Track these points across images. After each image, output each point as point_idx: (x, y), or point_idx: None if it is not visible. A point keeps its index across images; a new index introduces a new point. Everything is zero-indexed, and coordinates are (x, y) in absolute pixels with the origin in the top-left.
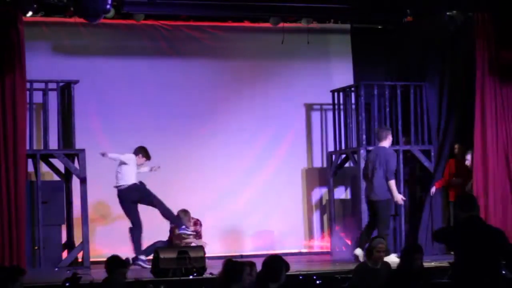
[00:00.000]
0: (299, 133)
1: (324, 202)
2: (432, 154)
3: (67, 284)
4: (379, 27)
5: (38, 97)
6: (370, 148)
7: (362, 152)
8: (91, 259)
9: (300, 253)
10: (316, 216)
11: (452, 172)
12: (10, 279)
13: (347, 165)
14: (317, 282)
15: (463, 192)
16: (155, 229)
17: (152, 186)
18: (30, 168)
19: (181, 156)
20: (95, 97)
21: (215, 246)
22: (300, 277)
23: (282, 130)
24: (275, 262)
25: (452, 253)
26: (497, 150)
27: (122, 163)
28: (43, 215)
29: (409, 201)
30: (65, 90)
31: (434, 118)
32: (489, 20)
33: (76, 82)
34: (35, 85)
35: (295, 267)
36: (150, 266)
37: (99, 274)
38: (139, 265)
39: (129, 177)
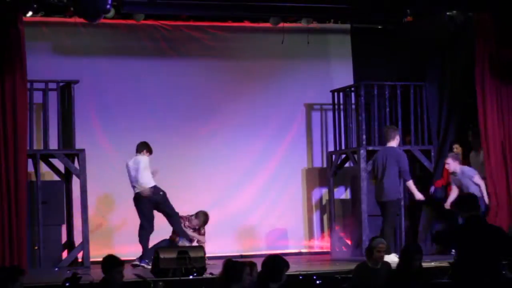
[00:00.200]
0: (299, 133)
1: (324, 202)
2: (432, 154)
3: (67, 284)
4: (379, 27)
5: (38, 97)
6: (370, 148)
7: (362, 152)
8: (91, 259)
9: (300, 253)
10: (316, 216)
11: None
12: (10, 279)
13: (347, 165)
14: (317, 282)
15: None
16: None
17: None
18: (30, 168)
19: (181, 156)
20: (95, 97)
21: (215, 246)
22: (300, 277)
23: (282, 130)
24: (275, 262)
25: (452, 252)
26: (501, 150)
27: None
28: (43, 215)
29: (409, 201)
30: (65, 90)
31: (434, 118)
32: (489, 20)
33: (76, 82)
34: (35, 85)
35: (295, 267)
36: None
37: (99, 274)
38: (142, 266)
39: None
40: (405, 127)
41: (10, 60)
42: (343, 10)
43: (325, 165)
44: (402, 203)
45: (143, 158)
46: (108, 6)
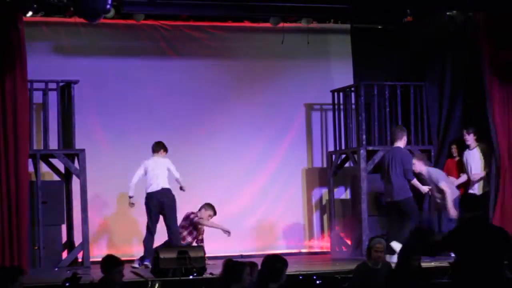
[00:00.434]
0: (299, 133)
1: (324, 202)
2: (432, 154)
3: (67, 284)
4: (379, 27)
5: (38, 97)
6: (370, 148)
7: (362, 152)
8: (91, 259)
9: (300, 253)
10: (316, 216)
11: (449, 172)
12: (10, 279)
13: (347, 165)
14: (317, 282)
15: (465, 191)
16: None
17: None
18: (30, 168)
19: (181, 156)
20: (95, 97)
21: (215, 246)
22: (300, 277)
23: (282, 130)
24: (275, 262)
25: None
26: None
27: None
28: (43, 215)
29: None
30: (65, 90)
31: (434, 118)
32: (489, 20)
33: (76, 82)
34: (35, 85)
35: (295, 267)
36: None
37: (99, 274)
38: (145, 265)
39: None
40: (405, 127)
41: (10, 60)
42: (343, 10)
43: (325, 165)
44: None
45: (168, 160)
46: (108, 6)
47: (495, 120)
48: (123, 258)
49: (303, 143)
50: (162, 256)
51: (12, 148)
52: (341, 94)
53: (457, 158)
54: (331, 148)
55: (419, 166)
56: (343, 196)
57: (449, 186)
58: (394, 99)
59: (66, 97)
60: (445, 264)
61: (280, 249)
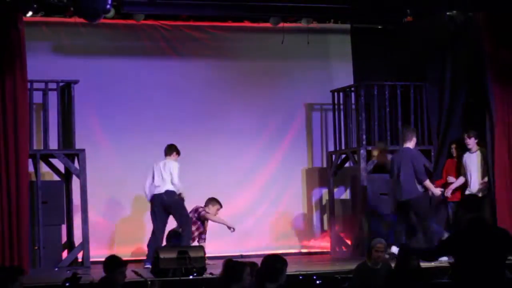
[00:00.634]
0: (299, 133)
1: (324, 202)
2: (432, 154)
3: (67, 284)
4: (379, 27)
5: (38, 97)
6: (370, 148)
7: (362, 152)
8: (91, 259)
9: (300, 253)
10: (316, 216)
11: (448, 172)
12: (10, 279)
13: (347, 165)
14: (317, 282)
15: (462, 192)
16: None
17: None
18: (30, 168)
19: (181, 155)
20: (95, 97)
21: (215, 246)
22: (300, 277)
23: (282, 130)
24: (274, 262)
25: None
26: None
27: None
28: (43, 215)
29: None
30: (65, 90)
31: (434, 118)
32: (489, 20)
33: (76, 82)
34: (35, 85)
35: (295, 267)
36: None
37: (99, 274)
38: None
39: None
40: (406, 126)
41: (10, 60)
42: (343, 10)
43: (325, 165)
44: (440, 194)
45: (175, 164)
46: (108, 6)
47: (495, 120)
48: (123, 258)
49: (303, 143)
50: (162, 256)
51: (12, 148)
52: (341, 94)
53: (456, 158)
54: (331, 148)
55: (381, 157)
56: (343, 196)
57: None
58: (394, 99)
59: (66, 97)
60: (445, 264)
61: (280, 249)
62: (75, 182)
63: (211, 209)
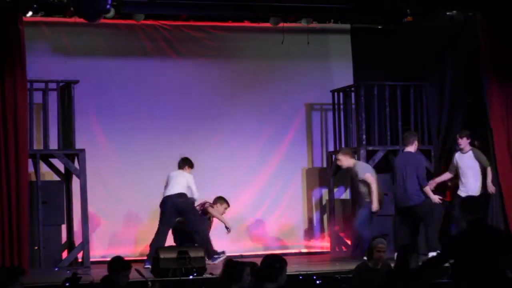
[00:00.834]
0: (299, 133)
1: (324, 202)
2: (432, 154)
3: (67, 284)
4: (379, 27)
5: (38, 97)
6: (370, 148)
7: (362, 152)
8: (91, 259)
9: (300, 253)
10: (316, 216)
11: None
12: (10, 279)
13: None
14: (317, 282)
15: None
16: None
17: (152, 186)
18: (30, 168)
19: (181, 155)
20: (95, 97)
21: (215, 246)
22: (300, 277)
23: (282, 130)
24: (274, 261)
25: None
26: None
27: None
28: (43, 215)
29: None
30: (65, 90)
31: (434, 118)
32: (489, 20)
33: (76, 82)
34: (35, 85)
35: (295, 267)
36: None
37: (99, 274)
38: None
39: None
40: (407, 129)
41: (10, 60)
42: (343, 10)
43: (325, 165)
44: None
45: (191, 176)
46: (108, 6)
47: (494, 119)
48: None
49: (303, 143)
50: (162, 256)
51: (12, 148)
52: (341, 94)
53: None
54: (331, 148)
55: (345, 161)
56: (343, 196)
57: (375, 180)
58: (394, 99)
59: (66, 97)
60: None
61: (279, 249)
62: (75, 182)
63: (219, 207)
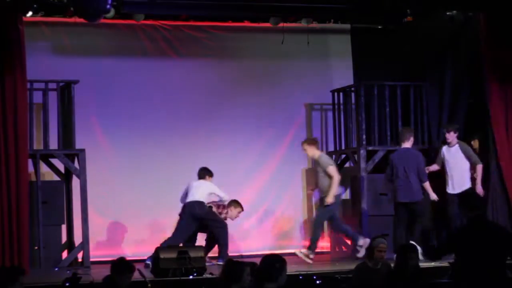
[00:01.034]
0: (299, 133)
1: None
2: (433, 154)
3: (67, 284)
4: (379, 27)
5: (38, 97)
6: (370, 148)
7: (362, 152)
8: (91, 259)
9: None
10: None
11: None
12: (10, 279)
13: (347, 165)
14: (317, 282)
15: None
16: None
17: (152, 186)
18: (30, 168)
19: (181, 156)
20: (95, 97)
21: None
22: (300, 277)
23: (282, 130)
24: (273, 261)
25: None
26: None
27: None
28: (43, 215)
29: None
30: (65, 90)
31: (434, 118)
32: (489, 20)
33: (76, 82)
34: (35, 85)
35: (295, 267)
36: None
37: (99, 274)
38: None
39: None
40: (405, 126)
41: (10, 60)
42: (343, 10)
43: None
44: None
45: (211, 184)
46: (108, 6)
47: (495, 119)
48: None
49: None
50: (162, 256)
51: (12, 148)
52: (341, 94)
53: None
54: (331, 148)
55: (310, 150)
56: (343, 196)
57: (337, 173)
58: (394, 99)
59: (66, 97)
60: (445, 264)
61: (280, 249)
62: (75, 182)
63: (233, 211)
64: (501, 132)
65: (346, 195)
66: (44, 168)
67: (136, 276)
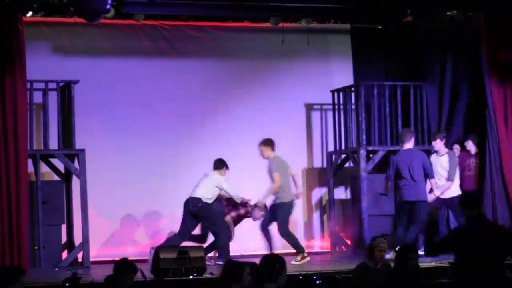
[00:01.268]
0: (299, 133)
1: (324, 202)
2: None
3: (67, 284)
4: (379, 27)
5: (38, 97)
6: (370, 148)
7: (362, 152)
8: (91, 259)
9: None
10: (316, 216)
11: None
12: (10, 279)
13: (347, 165)
14: (317, 282)
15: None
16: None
17: (152, 186)
18: (30, 168)
19: (181, 156)
20: (95, 97)
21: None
22: (300, 277)
23: (282, 130)
24: (273, 261)
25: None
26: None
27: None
28: (43, 215)
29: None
30: (65, 90)
31: (434, 118)
32: (489, 20)
33: (76, 82)
34: (35, 85)
35: (295, 267)
36: None
37: (99, 274)
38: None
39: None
40: (405, 127)
41: (10, 60)
42: (343, 10)
43: (325, 165)
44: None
45: (221, 178)
46: (108, 6)
47: (495, 120)
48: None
49: (303, 143)
50: (162, 256)
51: (12, 148)
52: (341, 94)
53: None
54: (331, 148)
55: (266, 151)
56: (343, 196)
57: (280, 179)
58: (394, 99)
59: (66, 97)
60: (445, 264)
61: (280, 249)
62: (75, 182)
63: (257, 213)
64: (502, 132)
65: (346, 195)
66: (44, 168)
67: (136, 276)
